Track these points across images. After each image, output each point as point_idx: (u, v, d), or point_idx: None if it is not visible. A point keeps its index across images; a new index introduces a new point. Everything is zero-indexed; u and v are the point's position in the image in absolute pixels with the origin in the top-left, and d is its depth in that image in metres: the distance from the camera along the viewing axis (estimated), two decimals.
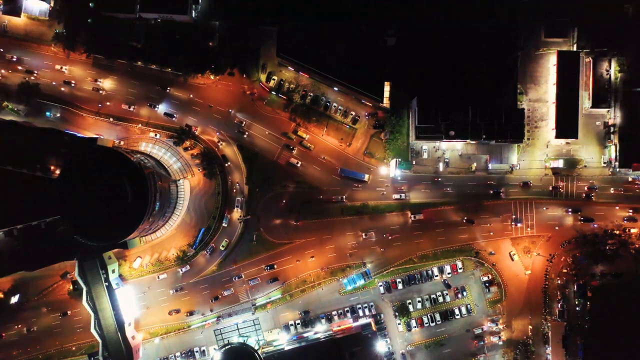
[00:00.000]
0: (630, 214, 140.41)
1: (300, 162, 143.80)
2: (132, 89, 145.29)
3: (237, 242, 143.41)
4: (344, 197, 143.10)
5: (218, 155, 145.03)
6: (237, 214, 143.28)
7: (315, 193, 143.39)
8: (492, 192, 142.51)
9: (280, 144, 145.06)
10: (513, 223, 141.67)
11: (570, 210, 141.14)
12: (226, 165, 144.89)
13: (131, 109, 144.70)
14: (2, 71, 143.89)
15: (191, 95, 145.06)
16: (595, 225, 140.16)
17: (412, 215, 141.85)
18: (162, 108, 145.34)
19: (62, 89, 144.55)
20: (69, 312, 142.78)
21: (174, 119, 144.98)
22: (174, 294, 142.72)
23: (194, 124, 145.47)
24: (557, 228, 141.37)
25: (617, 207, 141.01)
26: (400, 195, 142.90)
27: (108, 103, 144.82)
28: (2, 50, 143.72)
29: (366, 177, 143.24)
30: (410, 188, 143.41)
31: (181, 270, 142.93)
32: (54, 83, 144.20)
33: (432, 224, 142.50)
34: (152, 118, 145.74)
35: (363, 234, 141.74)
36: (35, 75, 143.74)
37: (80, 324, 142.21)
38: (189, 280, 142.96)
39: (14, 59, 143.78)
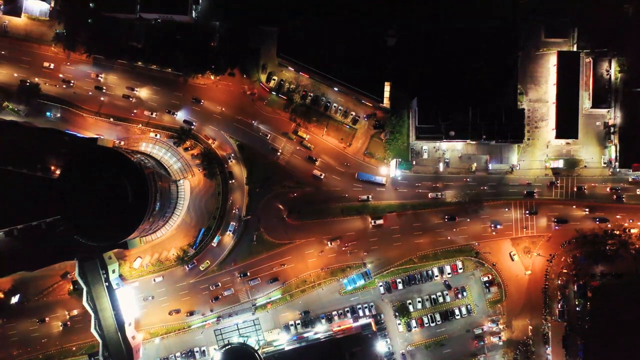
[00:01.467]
0: (587, 213, 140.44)
1: (324, 174, 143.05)
2: (160, 96, 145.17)
3: (237, 242, 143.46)
4: (370, 196, 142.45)
5: (218, 156, 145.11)
6: (228, 237, 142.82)
7: (317, 194, 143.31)
8: (525, 192, 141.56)
9: (280, 144, 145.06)
10: (492, 225, 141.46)
11: (527, 212, 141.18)
12: (231, 182, 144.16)
13: (153, 115, 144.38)
14: (36, 79, 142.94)
15: (223, 109, 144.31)
16: (556, 228, 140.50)
17: (372, 221, 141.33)
18: (180, 115, 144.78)
19: (102, 98, 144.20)
20: (46, 319, 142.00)
21: (192, 126, 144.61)
22: (145, 302, 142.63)
23: (212, 134, 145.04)
24: (526, 230, 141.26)
25: (574, 207, 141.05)
26: (437, 194, 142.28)
27: (135, 110, 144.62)
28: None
29: (384, 180, 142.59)
30: (446, 187, 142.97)
31: (154, 280, 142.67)
32: (90, 93, 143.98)
33: (432, 225, 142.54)
34: (169, 123, 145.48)
35: (329, 243, 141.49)
36: (72, 84, 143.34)
37: (81, 323, 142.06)
38: (157, 290, 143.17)
39: (51, 67, 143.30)
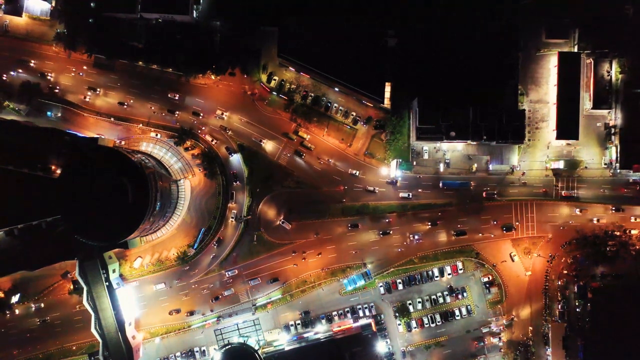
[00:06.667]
0: (495, 224, 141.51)
1: (411, 194, 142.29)
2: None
3: (238, 242, 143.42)
4: (495, 192, 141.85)
5: (219, 156, 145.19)
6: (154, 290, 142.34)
7: (317, 194, 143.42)
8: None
9: (280, 144, 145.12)
10: (411, 235, 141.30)
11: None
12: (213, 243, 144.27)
13: (213, 142, 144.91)
14: (150, 106, 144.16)
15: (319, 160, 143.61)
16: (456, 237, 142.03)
17: (280, 220, 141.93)
18: (235, 158, 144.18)
19: (203, 127, 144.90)
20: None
21: (236, 181, 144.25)
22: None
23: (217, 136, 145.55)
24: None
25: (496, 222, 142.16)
26: (571, 193, 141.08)
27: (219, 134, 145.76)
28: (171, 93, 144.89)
29: (471, 183, 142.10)
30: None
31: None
32: (194, 122, 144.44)
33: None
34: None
35: (280, 221, 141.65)
36: (201, 116, 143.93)
37: (80, 323, 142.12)
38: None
39: (176, 98, 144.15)
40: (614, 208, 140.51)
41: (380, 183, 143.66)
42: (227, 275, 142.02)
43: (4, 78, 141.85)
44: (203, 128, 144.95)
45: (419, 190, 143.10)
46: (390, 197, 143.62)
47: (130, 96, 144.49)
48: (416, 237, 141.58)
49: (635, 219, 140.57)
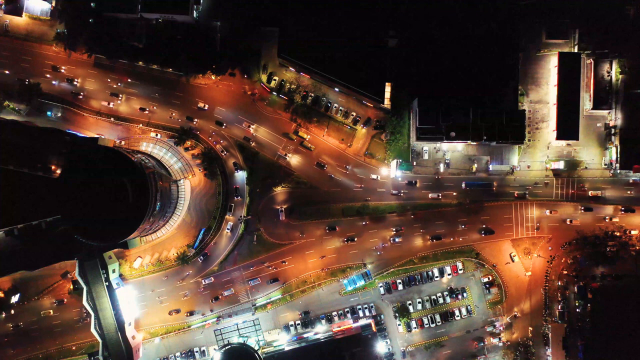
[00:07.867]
0: (463, 228, 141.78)
1: (440, 194, 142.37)
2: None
3: (238, 242, 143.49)
4: (527, 192, 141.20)
5: (220, 156, 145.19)
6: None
7: (317, 194, 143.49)
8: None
9: (281, 145, 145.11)
10: (392, 239, 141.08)
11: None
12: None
13: (223, 153, 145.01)
14: (171, 112, 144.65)
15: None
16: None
17: (280, 208, 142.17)
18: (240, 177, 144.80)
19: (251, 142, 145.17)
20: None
21: (237, 196, 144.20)
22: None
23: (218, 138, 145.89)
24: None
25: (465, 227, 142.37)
26: (598, 194, 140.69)
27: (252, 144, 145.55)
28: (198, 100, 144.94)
29: (494, 183, 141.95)
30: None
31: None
32: (236, 131, 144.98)
33: (432, 225, 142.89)
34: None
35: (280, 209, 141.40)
36: (224, 126, 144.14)
37: (80, 323, 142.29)
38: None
39: (205, 107, 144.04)
40: (582, 207, 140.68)
41: (393, 184, 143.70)
42: (204, 283, 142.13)
43: (27, 82, 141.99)
44: (221, 141, 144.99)
45: (444, 192, 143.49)
46: (391, 197, 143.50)
47: (153, 102, 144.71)
48: (397, 240, 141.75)
49: (610, 219, 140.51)
